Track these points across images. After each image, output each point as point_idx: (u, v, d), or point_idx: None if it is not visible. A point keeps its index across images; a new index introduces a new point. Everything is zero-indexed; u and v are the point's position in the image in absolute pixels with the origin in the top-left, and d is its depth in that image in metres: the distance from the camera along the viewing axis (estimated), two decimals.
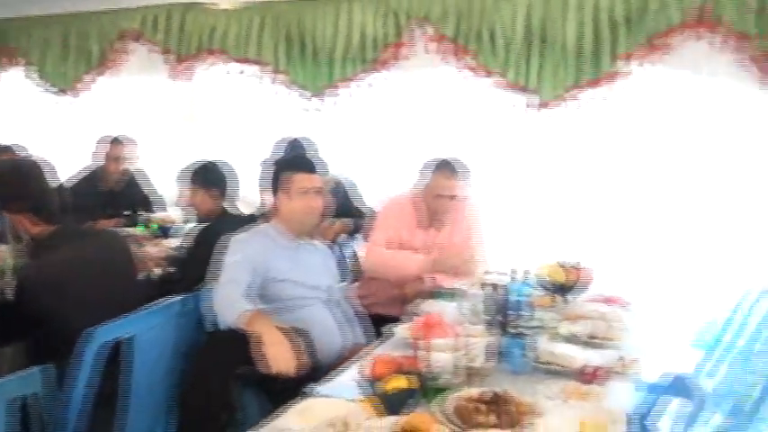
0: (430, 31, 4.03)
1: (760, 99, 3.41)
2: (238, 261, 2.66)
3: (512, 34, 3.81)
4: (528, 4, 3.76)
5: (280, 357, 2.35)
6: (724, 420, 2.73)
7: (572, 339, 2.71)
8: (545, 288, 3.14)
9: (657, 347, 2.67)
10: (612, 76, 3.68)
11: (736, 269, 3.67)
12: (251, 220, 3.11)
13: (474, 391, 2.06)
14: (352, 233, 4.00)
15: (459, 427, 1.88)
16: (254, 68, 4.58)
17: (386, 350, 2.48)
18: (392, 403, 1.95)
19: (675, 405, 2.40)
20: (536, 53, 3.81)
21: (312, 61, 4.41)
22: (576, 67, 3.73)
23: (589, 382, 2.30)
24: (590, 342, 2.69)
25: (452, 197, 3.31)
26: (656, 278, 3.78)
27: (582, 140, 4.05)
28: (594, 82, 3.72)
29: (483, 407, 1.96)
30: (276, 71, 4.52)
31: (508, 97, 3.96)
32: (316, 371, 2.39)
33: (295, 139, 3.92)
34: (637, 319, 2.99)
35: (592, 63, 3.69)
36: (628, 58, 3.61)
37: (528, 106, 3.92)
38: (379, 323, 2.88)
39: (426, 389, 2.07)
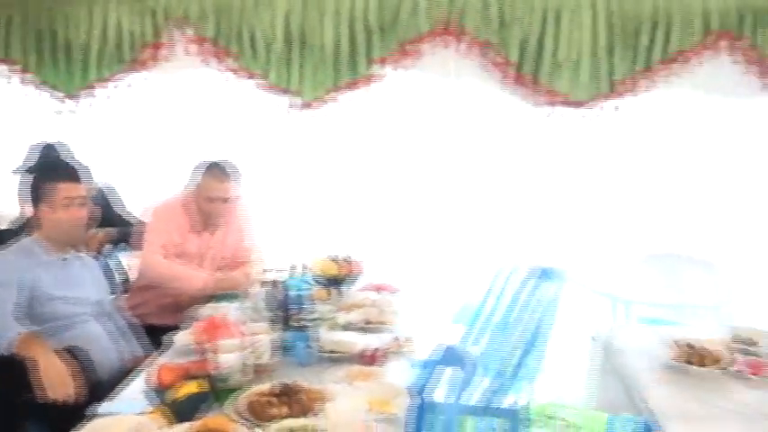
0: (190, 31, 3.96)
1: (501, 99, 3.79)
2: (1, 281, 2.47)
3: (272, 37, 3.85)
4: (287, 8, 3.82)
5: (57, 383, 2.23)
6: (491, 383, 3.05)
7: (350, 327, 2.87)
8: (319, 282, 3.27)
9: (426, 326, 2.90)
10: (369, 79, 3.87)
11: (489, 251, 4.06)
12: (11, 235, 2.88)
13: (264, 387, 2.11)
14: (116, 242, 3.83)
15: (255, 423, 1.92)
16: (2, 68, 4.21)
17: (168, 359, 2.44)
18: (184, 410, 1.94)
19: (448, 374, 2.65)
20: (296, 56, 3.89)
21: (65, 61, 4.12)
22: (335, 70, 3.87)
23: (370, 363, 2.46)
24: (366, 328, 2.87)
25: (225, 199, 3.28)
26: (419, 264, 4.07)
27: (344, 139, 4.22)
28: (353, 84, 3.89)
29: (275, 400, 2.02)
30: (25, 70, 4.18)
31: (271, 98, 4.02)
32: (97, 389, 2.28)
33: (49, 144, 3.67)
34: (406, 303, 3.23)
35: (349, 66, 3.85)
36: (382, 62, 3.82)
37: (290, 107, 4.00)
38: (154, 334, 2.81)
39: (217, 391, 2.08)
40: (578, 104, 3.61)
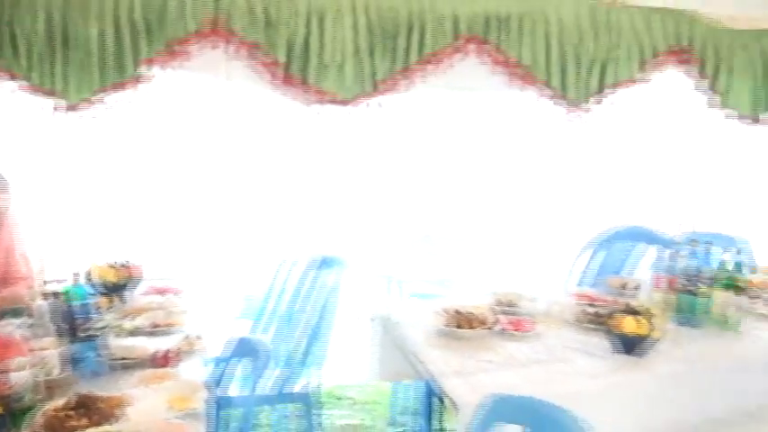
0: None
1: (272, 98, 3.87)
2: None
3: (33, 36, 3.64)
4: (48, 5, 3.62)
5: None
6: (282, 371, 3.21)
7: (137, 332, 2.89)
8: (99, 290, 3.21)
9: (215, 322, 2.99)
10: (137, 80, 3.78)
11: (269, 244, 4.19)
12: None
13: (60, 402, 2.09)
14: None
15: None
16: None
17: None
18: None
19: (242, 367, 2.77)
20: (60, 56, 3.69)
21: None
22: (101, 71, 3.73)
23: (163, 365, 2.52)
24: (155, 331, 2.91)
25: None
26: (201, 262, 4.10)
27: (111, 141, 4.11)
28: (120, 85, 3.77)
29: (73, 413, 2.02)
30: None
31: (35, 101, 3.79)
32: None
33: None
34: (192, 302, 3.28)
35: (116, 67, 3.72)
36: (150, 62, 3.75)
37: (56, 109, 3.81)
38: None
39: (12, 413, 2.03)
40: (345, 102, 3.79)
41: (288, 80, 3.74)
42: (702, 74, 4.05)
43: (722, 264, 3.21)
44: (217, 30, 3.69)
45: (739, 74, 4.11)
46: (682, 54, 3.95)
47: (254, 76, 3.73)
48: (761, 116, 4.17)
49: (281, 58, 3.71)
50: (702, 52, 4.01)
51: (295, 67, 3.73)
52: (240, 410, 2.84)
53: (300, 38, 3.70)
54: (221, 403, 2.79)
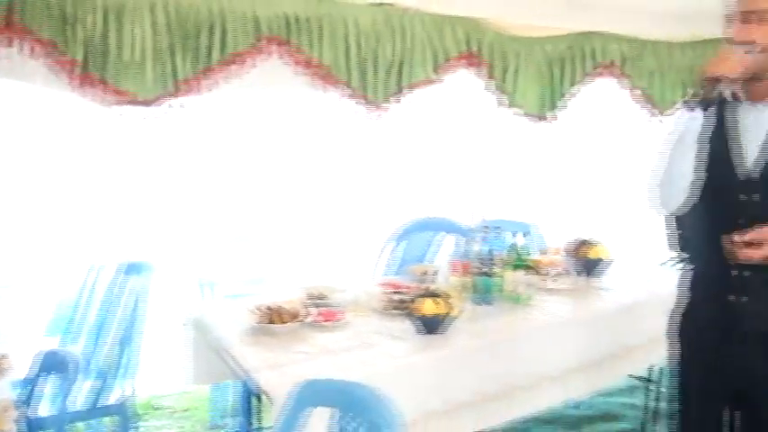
0: None
1: (73, 101, 3.70)
2: None
3: None
4: None
5: None
6: (93, 383, 3.12)
7: None
8: None
9: (22, 339, 2.86)
10: None
11: (73, 252, 4.02)
12: None
13: None
14: None
15: None
16: None
17: None
18: None
19: (52, 383, 2.67)
20: None
21: None
22: None
23: None
24: None
25: None
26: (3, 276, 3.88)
27: None
28: None
29: None
30: None
31: None
32: None
33: None
34: None
35: None
36: None
37: None
38: None
39: None
40: (146, 103, 3.69)
41: (86, 80, 3.58)
42: (491, 76, 4.35)
43: (512, 246, 3.53)
44: (11, 26, 3.46)
45: (525, 76, 4.46)
46: (471, 58, 4.22)
47: (51, 76, 3.54)
48: (547, 114, 4.55)
49: (79, 57, 3.55)
50: (490, 56, 4.31)
51: (93, 67, 3.58)
52: (52, 430, 2.74)
53: (98, 36, 3.56)
54: (32, 423, 2.68)
